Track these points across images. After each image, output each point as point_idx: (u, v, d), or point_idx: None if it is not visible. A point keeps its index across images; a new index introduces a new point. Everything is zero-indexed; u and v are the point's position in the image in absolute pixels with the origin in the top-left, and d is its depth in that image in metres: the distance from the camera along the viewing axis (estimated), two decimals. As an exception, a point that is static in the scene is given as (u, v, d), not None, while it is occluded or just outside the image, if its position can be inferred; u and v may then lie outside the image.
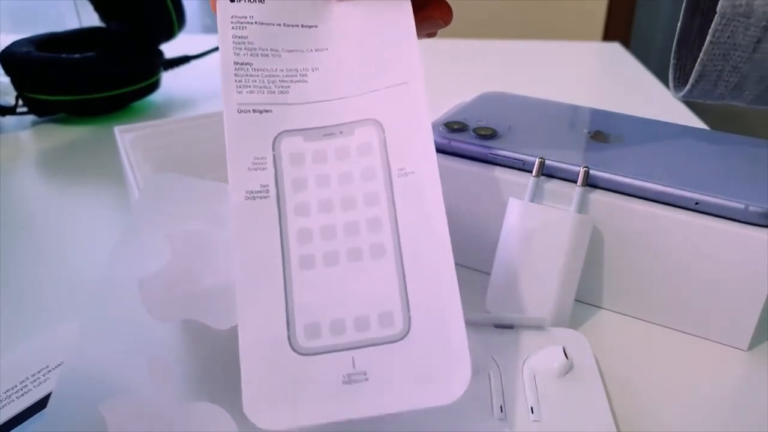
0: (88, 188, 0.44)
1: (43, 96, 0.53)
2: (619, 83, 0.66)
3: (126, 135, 0.37)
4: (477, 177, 0.32)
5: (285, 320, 0.21)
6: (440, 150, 0.33)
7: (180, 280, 0.24)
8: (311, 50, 0.25)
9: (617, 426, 0.24)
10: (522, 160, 0.31)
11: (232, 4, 0.24)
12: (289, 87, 0.24)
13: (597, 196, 0.29)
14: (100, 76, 0.53)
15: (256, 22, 0.24)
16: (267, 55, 0.24)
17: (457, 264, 0.37)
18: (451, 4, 0.26)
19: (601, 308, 0.32)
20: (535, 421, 0.24)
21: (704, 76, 0.25)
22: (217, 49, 0.67)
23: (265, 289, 0.22)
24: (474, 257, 0.34)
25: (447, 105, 0.39)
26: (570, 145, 0.32)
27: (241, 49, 0.24)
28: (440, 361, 0.21)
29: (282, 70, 0.24)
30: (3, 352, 0.28)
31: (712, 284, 0.28)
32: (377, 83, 0.24)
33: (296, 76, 0.24)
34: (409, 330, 0.21)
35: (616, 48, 0.79)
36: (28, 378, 0.25)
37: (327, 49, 0.25)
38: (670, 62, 0.28)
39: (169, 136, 0.38)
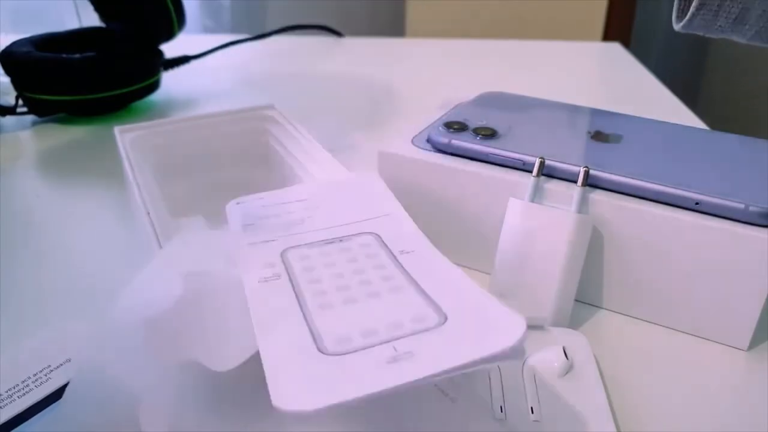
0: (88, 188, 0.44)
1: (43, 96, 0.53)
2: (619, 83, 0.66)
3: (126, 135, 0.37)
4: (477, 177, 0.32)
5: (310, 335, 0.20)
6: (440, 150, 0.33)
7: (185, 319, 0.24)
8: (304, 209, 0.29)
9: (617, 426, 0.24)
10: (522, 160, 0.31)
11: (238, 205, 0.29)
12: (289, 229, 0.27)
13: (597, 196, 0.29)
14: (100, 76, 0.53)
15: (258, 207, 0.29)
16: (268, 217, 0.28)
17: (457, 264, 0.37)
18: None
19: (601, 308, 0.32)
20: (535, 421, 0.24)
21: (705, 4, 0.25)
22: (216, 49, 0.67)
23: (284, 323, 0.21)
24: (474, 257, 0.34)
25: (447, 105, 0.39)
26: (570, 145, 0.32)
27: (247, 217, 0.28)
28: (490, 319, 0.20)
29: (282, 222, 0.28)
30: (3, 352, 0.28)
31: (712, 284, 0.28)
32: (364, 216, 0.28)
33: (295, 222, 0.28)
34: (446, 320, 0.20)
35: (616, 48, 0.79)
36: (29, 377, 0.25)
37: (318, 207, 0.28)
38: None
39: (169, 136, 0.38)
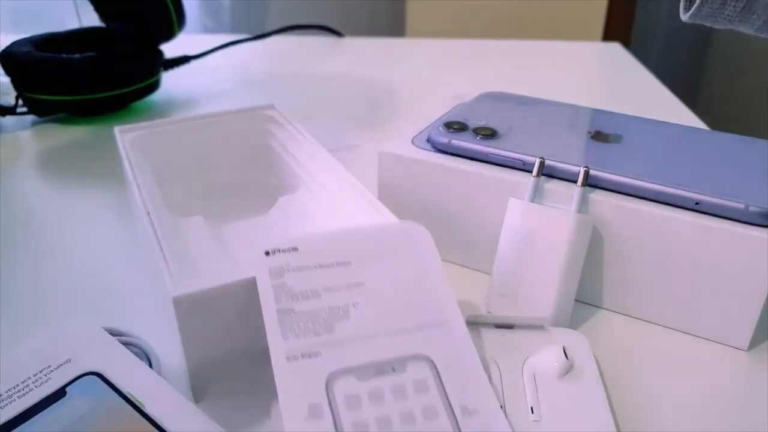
0: (88, 188, 0.44)
1: (43, 96, 0.53)
2: (619, 83, 0.66)
3: (126, 135, 0.37)
4: (477, 177, 0.32)
5: None
6: (440, 150, 0.33)
7: None
8: (349, 286, 0.25)
9: (617, 426, 0.24)
10: (522, 160, 0.31)
11: (268, 257, 0.25)
12: (333, 326, 0.24)
13: (597, 196, 0.29)
14: (100, 76, 0.53)
15: (293, 269, 0.25)
16: (308, 298, 0.24)
17: (457, 264, 0.37)
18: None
19: (601, 308, 0.32)
20: (535, 421, 0.24)
21: None
22: (216, 49, 0.67)
23: None
24: (474, 257, 0.34)
25: (447, 105, 0.39)
26: (570, 145, 0.32)
27: (281, 296, 0.24)
28: None
29: (324, 309, 0.24)
30: (3, 352, 0.28)
31: (712, 284, 0.28)
32: (418, 320, 0.24)
33: (338, 313, 0.24)
34: None
35: (616, 48, 0.79)
36: (29, 377, 0.25)
37: (364, 283, 0.25)
38: None
39: (169, 136, 0.38)
